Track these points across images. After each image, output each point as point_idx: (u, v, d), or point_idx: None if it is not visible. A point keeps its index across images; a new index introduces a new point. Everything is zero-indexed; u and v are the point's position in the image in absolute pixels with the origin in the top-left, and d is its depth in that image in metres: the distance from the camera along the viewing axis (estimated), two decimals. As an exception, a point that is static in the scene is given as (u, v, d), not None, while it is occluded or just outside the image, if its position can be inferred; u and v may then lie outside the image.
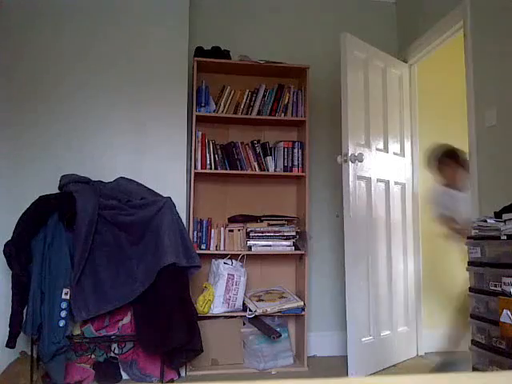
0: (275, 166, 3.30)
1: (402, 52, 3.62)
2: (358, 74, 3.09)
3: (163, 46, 3.14)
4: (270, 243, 3.18)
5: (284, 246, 3.20)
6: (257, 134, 3.41)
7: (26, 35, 2.99)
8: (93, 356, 2.79)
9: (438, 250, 3.46)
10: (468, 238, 2.22)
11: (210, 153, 3.17)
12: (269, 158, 3.28)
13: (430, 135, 3.56)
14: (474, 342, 2.14)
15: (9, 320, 2.49)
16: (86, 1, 3.09)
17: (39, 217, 2.56)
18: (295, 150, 3.29)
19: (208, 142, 3.19)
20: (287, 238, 3.20)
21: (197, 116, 3.16)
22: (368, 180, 3.08)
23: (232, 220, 3.30)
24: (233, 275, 3.09)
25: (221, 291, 3.06)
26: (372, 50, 3.23)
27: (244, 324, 3.14)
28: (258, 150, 3.27)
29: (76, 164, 2.92)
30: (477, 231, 2.23)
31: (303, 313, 3.15)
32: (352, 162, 2.92)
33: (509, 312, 1.82)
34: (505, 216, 2.02)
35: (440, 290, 3.42)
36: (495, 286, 1.98)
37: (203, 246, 3.15)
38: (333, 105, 3.41)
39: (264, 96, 3.29)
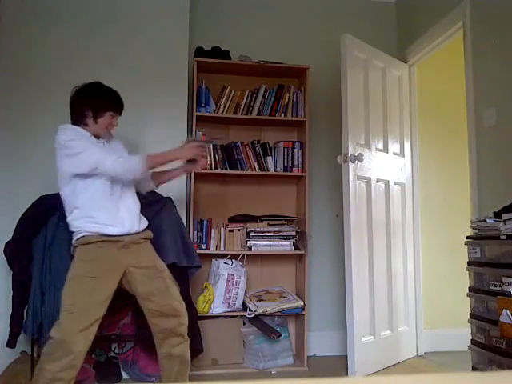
0: (275, 166, 3.30)
1: (402, 52, 3.62)
2: (357, 74, 3.09)
3: (163, 46, 3.14)
4: (270, 243, 3.19)
5: (284, 246, 3.20)
6: (257, 134, 3.41)
7: (25, 35, 2.99)
8: (93, 356, 2.79)
9: (438, 250, 3.47)
10: (468, 237, 2.23)
11: (210, 153, 3.18)
12: (269, 158, 3.28)
13: (429, 135, 3.57)
14: (473, 342, 2.15)
15: (9, 320, 2.50)
16: (85, 0, 3.09)
17: (40, 217, 2.56)
18: (295, 150, 3.29)
19: (208, 142, 3.20)
20: (287, 237, 3.21)
21: (197, 116, 3.16)
22: (368, 180, 3.09)
23: (232, 220, 3.30)
24: (233, 275, 3.10)
25: (221, 291, 3.07)
26: (372, 50, 3.24)
27: (244, 324, 3.14)
28: (258, 150, 3.27)
29: (76, 164, 2.91)
30: (476, 231, 2.24)
31: (303, 312, 3.16)
32: (352, 162, 2.92)
33: (508, 312, 1.83)
34: (504, 216, 2.03)
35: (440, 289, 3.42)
36: (495, 285, 1.98)
37: (203, 246, 3.15)
38: (333, 105, 3.40)
39: (264, 96, 3.29)
